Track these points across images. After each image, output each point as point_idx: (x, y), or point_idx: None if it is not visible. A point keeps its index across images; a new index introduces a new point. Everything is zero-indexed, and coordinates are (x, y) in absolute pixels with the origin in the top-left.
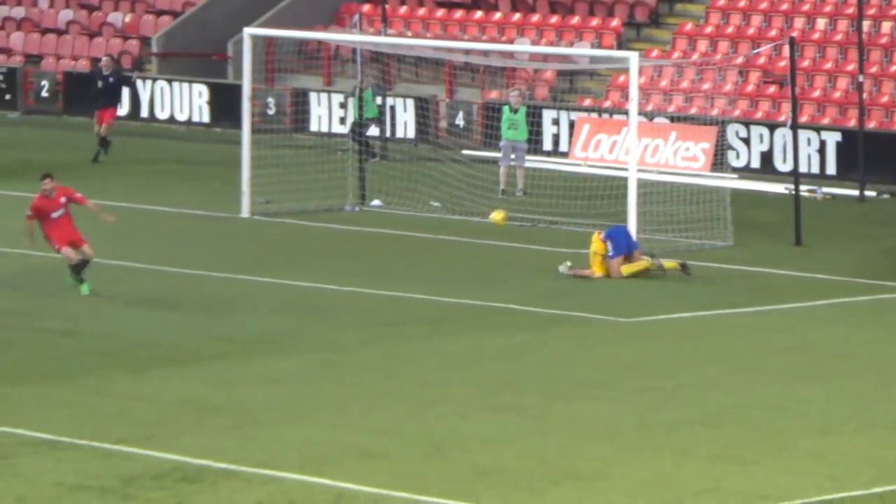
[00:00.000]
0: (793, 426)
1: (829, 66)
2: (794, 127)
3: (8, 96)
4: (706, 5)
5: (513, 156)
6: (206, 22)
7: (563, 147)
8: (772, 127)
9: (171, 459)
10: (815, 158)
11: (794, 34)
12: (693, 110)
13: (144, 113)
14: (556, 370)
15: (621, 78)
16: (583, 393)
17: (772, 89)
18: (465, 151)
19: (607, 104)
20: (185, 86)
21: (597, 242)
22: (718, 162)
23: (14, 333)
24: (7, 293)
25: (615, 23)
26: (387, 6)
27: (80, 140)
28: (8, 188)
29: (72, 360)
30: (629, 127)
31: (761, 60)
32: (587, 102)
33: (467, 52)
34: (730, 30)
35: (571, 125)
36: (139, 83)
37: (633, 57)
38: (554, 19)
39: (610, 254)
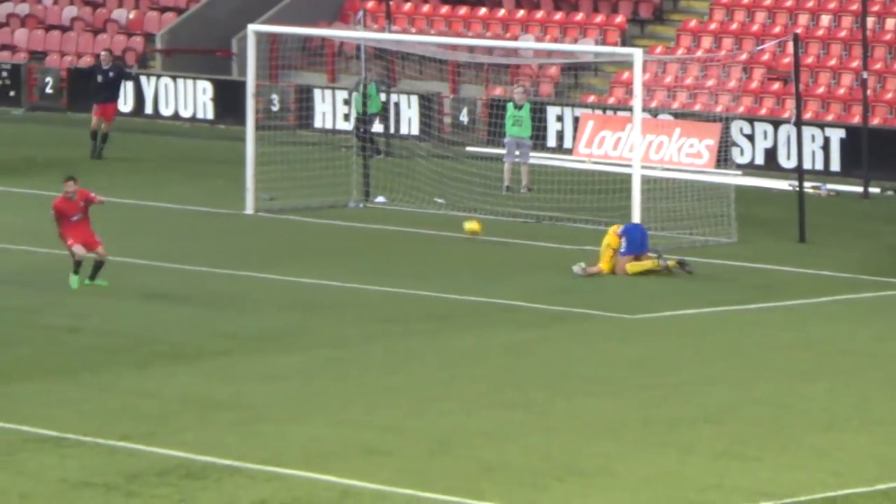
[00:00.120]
0: (797, 423)
1: (833, 62)
2: (798, 123)
3: (12, 93)
4: (710, 2)
5: (517, 152)
6: (210, 18)
7: (568, 144)
8: (776, 123)
9: (175, 456)
10: (819, 155)
11: (798, 31)
12: (697, 107)
13: (149, 109)
14: (561, 367)
15: (625, 74)
16: (587, 389)
17: (776, 86)
18: (469, 148)
19: (611, 101)
20: (190, 82)
21: (612, 236)
22: (722, 158)
23: (19, 330)
24: (12, 290)
25: (619, 19)
26: (391, 3)
27: (85, 136)
28: (12, 185)
29: (76, 356)
30: (633, 123)
31: (765, 57)
32: (591, 99)
33: (471, 48)
34: (734, 26)
35: (576, 122)
36: (143, 80)
37: (637, 53)
38: (558, 16)
39: (622, 250)
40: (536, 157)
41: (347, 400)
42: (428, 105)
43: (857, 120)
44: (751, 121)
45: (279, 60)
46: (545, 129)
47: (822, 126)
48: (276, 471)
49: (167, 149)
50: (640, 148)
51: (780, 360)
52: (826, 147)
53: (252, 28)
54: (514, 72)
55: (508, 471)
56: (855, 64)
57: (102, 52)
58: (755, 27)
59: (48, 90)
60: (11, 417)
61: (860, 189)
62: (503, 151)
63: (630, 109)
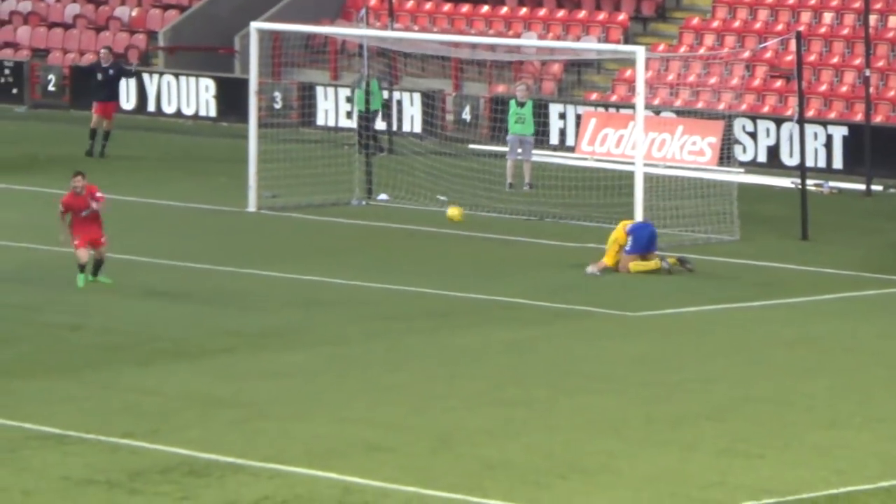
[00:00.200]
0: (799, 420)
1: (835, 60)
2: (801, 121)
3: (15, 90)
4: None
5: (520, 150)
6: (213, 16)
7: (570, 141)
8: (778, 121)
9: (178, 453)
10: (822, 153)
11: (801, 28)
12: (700, 104)
13: (151, 107)
14: (563, 364)
15: (628, 72)
16: (589, 387)
17: (778, 83)
18: (471, 146)
19: (614, 98)
20: (192, 80)
21: (620, 232)
22: (725, 156)
23: (21, 327)
24: (14, 287)
25: (622, 17)
26: (393, 0)
27: (87, 134)
28: (15, 182)
29: (78, 354)
30: (636, 121)
31: (768, 55)
32: (594, 97)
33: (474, 46)
34: (736, 24)
35: (578, 119)
36: (146, 77)
37: (639, 51)
38: (561, 13)
39: (627, 248)
40: (539, 155)
41: (349, 397)
42: (430, 102)
43: (859, 117)
44: (753, 118)
45: (282, 58)
46: (548, 126)
47: (824, 124)
48: (279, 468)
49: (170, 146)
50: (642, 145)
51: (783, 358)
52: (829, 145)
53: (255, 26)
54: (517, 69)
55: (510, 468)
56: (857, 61)
57: (102, 50)
58: (758, 25)
59: (51, 88)
60: (14, 415)
61: (863, 187)
62: (506, 149)
63: (633, 107)
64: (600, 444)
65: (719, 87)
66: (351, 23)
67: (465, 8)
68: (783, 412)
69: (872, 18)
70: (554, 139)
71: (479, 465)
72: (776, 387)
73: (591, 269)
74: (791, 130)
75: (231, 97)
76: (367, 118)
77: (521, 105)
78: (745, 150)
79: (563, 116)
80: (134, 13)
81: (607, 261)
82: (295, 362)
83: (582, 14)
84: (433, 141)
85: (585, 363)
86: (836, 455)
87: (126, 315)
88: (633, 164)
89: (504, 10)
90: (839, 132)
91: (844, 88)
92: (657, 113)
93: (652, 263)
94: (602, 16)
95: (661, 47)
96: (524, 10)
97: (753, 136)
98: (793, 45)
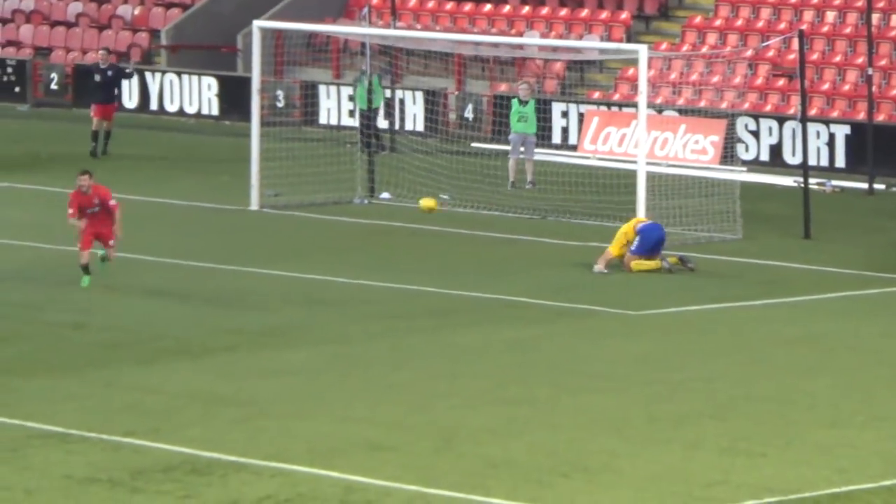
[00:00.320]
0: (801, 419)
1: (838, 59)
2: (803, 120)
3: (17, 89)
4: None
5: (522, 148)
6: (216, 14)
7: (573, 140)
8: (781, 120)
9: (180, 452)
10: (825, 151)
11: (804, 27)
12: (702, 103)
13: (154, 106)
14: (565, 363)
15: (630, 71)
16: (591, 386)
17: (781, 82)
18: (474, 144)
19: (616, 97)
20: (195, 78)
21: (631, 227)
22: (727, 155)
23: (23, 326)
24: (16, 286)
25: (624, 15)
26: None
27: (90, 133)
28: (17, 181)
29: (81, 352)
30: (638, 120)
31: (770, 53)
32: (596, 95)
33: (477, 44)
34: (739, 23)
35: (581, 118)
36: (148, 76)
37: (642, 50)
38: (563, 12)
39: (633, 248)
40: (541, 154)
41: (352, 396)
42: (433, 101)
43: (862, 116)
44: (756, 117)
45: (284, 56)
46: (550, 125)
47: (827, 122)
48: (281, 467)
49: (172, 145)
50: (644, 144)
51: (785, 357)
52: (831, 143)
53: (257, 24)
54: (520, 68)
55: (513, 467)
56: (860, 60)
57: (100, 51)
58: (760, 23)
59: (53, 86)
60: (16, 413)
61: (865, 185)
62: (508, 148)
63: (635, 106)
64: (603, 443)
65: (722, 86)
66: (353, 21)
67: (468, 6)
68: (785, 411)
69: (875, 17)
70: (556, 138)
71: (482, 463)
72: (778, 385)
73: (597, 267)
74: (794, 129)
75: (233, 96)
76: (368, 116)
77: (524, 104)
78: (747, 149)
79: (565, 115)
80: (136, 11)
81: (613, 251)
82: (297, 361)
83: (584, 13)
84: (435, 139)
85: (588, 362)
86: (839, 454)
87: (128, 313)
88: (635, 162)
89: (507, 8)
90: (842, 131)
91: (847, 87)
92: (660, 111)
93: (653, 263)
94: (605, 14)
95: (664, 46)
96: (527, 9)
97: (756, 134)
98: (795, 43)
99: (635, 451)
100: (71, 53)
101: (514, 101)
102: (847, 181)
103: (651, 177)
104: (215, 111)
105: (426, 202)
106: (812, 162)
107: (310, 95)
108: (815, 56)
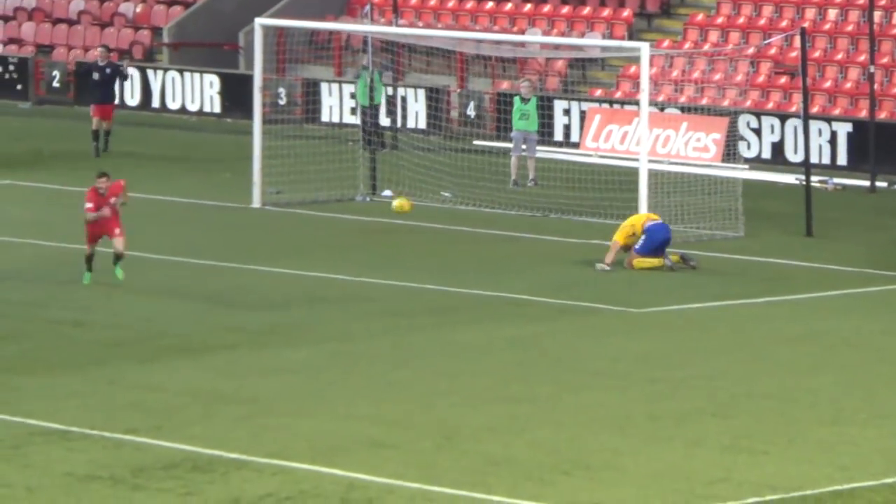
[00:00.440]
0: (803, 416)
1: (840, 56)
2: (805, 118)
3: (19, 86)
4: None
5: (524, 146)
6: (218, 12)
7: (575, 137)
8: (783, 117)
9: (181, 449)
10: (826, 149)
11: (806, 24)
12: (704, 101)
13: (156, 103)
14: (567, 361)
15: (632, 68)
16: (593, 383)
17: (783, 80)
18: (476, 142)
19: (618, 95)
20: (197, 76)
21: (640, 222)
22: (729, 152)
23: (25, 324)
24: (18, 284)
25: (626, 13)
26: None
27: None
28: (18, 178)
29: (82, 350)
30: (640, 117)
31: (772, 51)
32: (598, 93)
33: (479, 42)
34: (741, 20)
35: (582, 115)
36: (150, 73)
37: (644, 47)
38: (565, 10)
39: (637, 247)
40: (543, 151)
41: (354, 394)
42: (435, 98)
43: (863, 114)
44: (758, 115)
45: (286, 54)
46: (552, 122)
47: (829, 120)
48: (283, 464)
49: (174, 143)
50: (646, 142)
51: (787, 354)
52: (833, 141)
53: (259, 22)
54: (521, 66)
55: (515, 465)
56: (862, 58)
57: (98, 49)
58: (762, 21)
59: (55, 84)
60: (18, 411)
61: (867, 183)
62: (510, 145)
63: (637, 103)
64: (604, 441)
65: (724, 84)
66: (355, 18)
67: (470, 4)
68: (787, 408)
69: (877, 15)
70: (558, 135)
71: (484, 461)
72: (780, 383)
73: (599, 265)
74: (796, 127)
75: (235, 93)
76: (370, 112)
77: (526, 101)
78: (749, 147)
79: (567, 113)
80: (138, 9)
81: (617, 237)
82: (299, 359)
83: (586, 10)
84: (437, 137)
85: (589, 359)
86: (840, 451)
87: (130, 311)
88: (637, 160)
89: (508, 6)
90: (843, 128)
91: (849, 85)
92: (661, 109)
93: (656, 261)
94: (606, 12)
95: (666, 44)
96: (528, 7)
97: (758, 132)
98: (797, 41)
99: (637, 448)
100: (73, 51)
101: (516, 99)
102: (849, 179)
103: (653, 174)
104: (217, 109)
105: (399, 202)
106: (814, 159)
107: (312, 93)
108: (817, 54)
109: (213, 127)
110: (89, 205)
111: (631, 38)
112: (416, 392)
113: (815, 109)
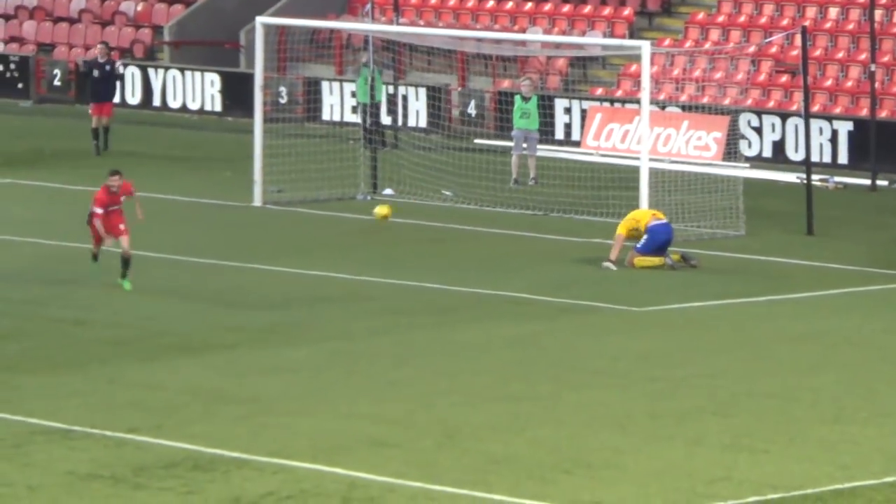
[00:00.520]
0: (804, 415)
1: (841, 55)
2: (806, 116)
3: (20, 85)
4: None
5: (525, 145)
6: (219, 10)
7: (575, 136)
8: (784, 116)
9: (182, 448)
10: (827, 148)
11: (806, 23)
12: (705, 99)
13: (156, 102)
14: (568, 359)
15: (633, 67)
16: (594, 382)
17: (784, 78)
18: (477, 140)
19: (619, 93)
20: (198, 74)
21: (644, 218)
22: (730, 151)
23: (26, 323)
24: (19, 282)
25: (627, 12)
26: None
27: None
28: (20, 177)
29: (84, 349)
30: (641, 116)
31: (773, 49)
32: (599, 91)
33: (479, 40)
34: (742, 19)
35: (583, 114)
36: (151, 72)
37: (644, 46)
38: (566, 8)
39: (638, 246)
40: (544, 150)
41: (354, 392)
42: (436, 97)
43: (864, 112)
44: (759, 113)
45: (287, 53)
46: (553, 121)
47: (829, 119)
48: (284, 463)
49: (175, 141)
50: (647, 140)
51: (788, 353)
52: (834, 140)
53: (260, 20)
54: (522, 64)
55: (516, 463)
56: (863, 56)
57: (98, 46)
58: (763, 19)
59: (56, 82)
60: (19, 410)
61: (868, 182)
62: (511, 144)
63: (638, 102)
64: (605, 439)
65: (724, 82)
66: (356, 17)
67: (471, 2)
68: (788, 407)
69: (878, 13)
70: (559, 134)
71: (484, 459)
72: (781, 382)
73: (605, 263)
74: (796, 125)
75: (236, 92)
76: (371, 111)
77: (526, 100)
78: (750, 145)
79: (568, 111)
80: (139, 8)
81: (621, 231)
82: (300, 357)
83: (587, 9)
84: (438, 136)
85: (590, 358)
86: (841, 450)
87: (131, 310)
88: (638, 159)
89: (509, 4)
90: (844, 127)
91: (850, 83)
92: (662, 108)
93: (656, 259)
94: (607, 11)
95: (667, 42)
96: (529, 5)
97: (759, 130)
98: (798, 39)
99: (638, 447)
100: (74, 50)
101: (517, 98)
102: (850, 177)
103: (654, 173)
104: (218, 107)
105: (380, 209)
106: (815, 158)
107: (313, 92)
108: (817, 52)
109: (214, 125)
110: (98, 210)
111: (632, 36)
112: (416, 391)
113: (815, 108)
